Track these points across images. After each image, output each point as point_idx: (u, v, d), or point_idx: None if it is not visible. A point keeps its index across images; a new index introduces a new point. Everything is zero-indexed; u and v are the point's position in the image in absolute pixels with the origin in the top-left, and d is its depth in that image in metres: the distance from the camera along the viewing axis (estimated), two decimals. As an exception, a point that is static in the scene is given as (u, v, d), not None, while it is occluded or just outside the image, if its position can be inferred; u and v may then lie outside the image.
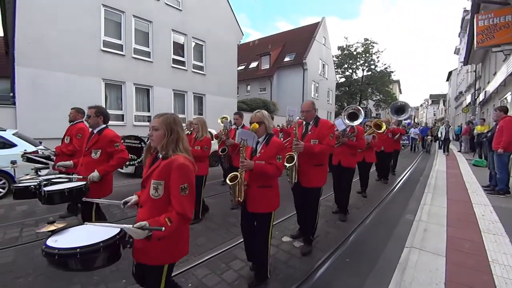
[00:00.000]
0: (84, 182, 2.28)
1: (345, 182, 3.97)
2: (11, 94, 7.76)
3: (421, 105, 66.64)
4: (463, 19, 20.15)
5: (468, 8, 14.91)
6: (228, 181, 2.15)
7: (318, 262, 2.68)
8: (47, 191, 2.02)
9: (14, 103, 7.43)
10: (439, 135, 12.71)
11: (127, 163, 4.57)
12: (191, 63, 11.98)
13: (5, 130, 5.30)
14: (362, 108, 3.75)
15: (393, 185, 6.33)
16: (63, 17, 8.01)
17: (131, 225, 1.26)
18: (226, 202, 4.41)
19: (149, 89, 10.54)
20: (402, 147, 14.81)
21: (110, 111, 9.08)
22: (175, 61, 11.28)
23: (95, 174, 2.53)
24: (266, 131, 2.25)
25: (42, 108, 7.55)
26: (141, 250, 1.42)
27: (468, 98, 18.33)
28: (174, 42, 11.27)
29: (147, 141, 4.90)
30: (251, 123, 2.23)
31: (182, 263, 2.62)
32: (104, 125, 2.77)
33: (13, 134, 5.32)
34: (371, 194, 5.44)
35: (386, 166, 6.76)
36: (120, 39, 9.55)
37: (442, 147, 12.50)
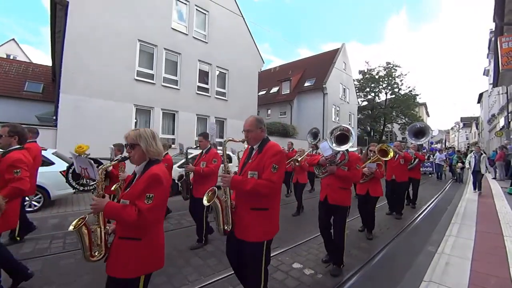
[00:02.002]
0: None
1: (336, 226, 3.07)
2: (54, 117, 8.74)
3: (452, 129, 63.15)
4: (490, 40, 19.56)
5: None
6: (71, 227, 1.55)
7: (328, 290, 2.63)
8: None
9: (56, 125, 8.33)
10: (467, 165, 9.31)
11: (81, 188, 4.22)
12: (214, 89, 12.73)
13: (46, 150, 5.93)
14: (351, 128, 3.00)
15: (417, 213, 6.00)
16: (104, 51, 9.10)
17: None
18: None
19: (175, 114, 11.27)
20: (429, 175, 13.70)
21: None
22: (199, 88, 12.08)
23: None
24: (145, 158, 1.63)
25: (80, 131, 8.34)
26: None
27: (502, 121, 17.22)
28: (200, 70, 12.15)
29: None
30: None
31: (192, 282, 2.72)
32: (16, 146, 2.45)
33: (53, 153, 5.94)
34: (392, 222, 5.22)
35: (399, 198, 5.70)
36: (152, 69, 10.53)
37: (473, 183, 8.72)
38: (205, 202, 1.95)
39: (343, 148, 2.90)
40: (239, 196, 2.05)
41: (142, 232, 1.51)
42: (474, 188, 8.53)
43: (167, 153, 4.98)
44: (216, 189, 2.03)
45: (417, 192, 6.79)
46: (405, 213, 5.85)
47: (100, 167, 1.68)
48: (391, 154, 4.19)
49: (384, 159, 4.10)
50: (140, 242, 1.51)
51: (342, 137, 2.96)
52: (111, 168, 3.05)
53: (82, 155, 1.78)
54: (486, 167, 8.32)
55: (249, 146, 2.20)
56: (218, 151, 3.78)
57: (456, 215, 5.55)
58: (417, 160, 6.34)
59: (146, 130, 1.66)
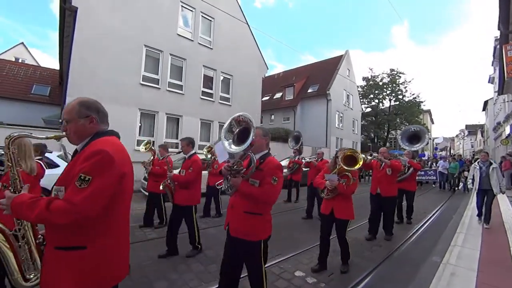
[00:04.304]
0: None
1: (248, 270, 2.12)
2: (60, 120, 8.86)
3: (457, 136, 62.61)
4: (495, 47, 19.49)
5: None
6: None
7: (331, 300, 2.59)
8: None
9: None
10: (469, 181, 5.91)
11: None
12: (218, 95, 12.84)
13: (51, 152, 5.97)
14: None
15: (421, 223, 5.91)
16: (110, 55, 9.26)
17: None
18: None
19: (179, 118, 11.36)
20: (433, 185, 12.90)
21: (142, 138, 10.11)
22: (204, 93, 12.20)
23: None
24: None
25: (85, 135, 8.45)
26: None
27: (507, 129, 17.04)
28: (204, 76, 12.29)
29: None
30: None
31: (195, 289, 2.70)
32: None
33: (58, 156, 5.99)
34: (394, 231, 5.12)
35: (387, 217, 4.64)
36: (157, 74, 10.67)
37: (478, 207, 5.80)
38: None
39: (241, 148, 1.87)
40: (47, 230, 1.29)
41: None
42: (479, 215, 5.67)
43: None
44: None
45: (412, 205, 5.88)
46: (402, 227, 5.45)
47: None
48: (360, 162, 3.08)
49: (350, 169, 3.07)
50: None
51: (243, 133, 1.96)
52: None
53: None
54: (500, 183, 5.25)
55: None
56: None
57: (461, 225, 5.47)
58: (411, 169, 5.55)
59: None
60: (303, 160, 7.06)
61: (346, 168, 3.06)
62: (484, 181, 5.42)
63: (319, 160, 6.20)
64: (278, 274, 3.08)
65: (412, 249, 4.27)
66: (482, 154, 5.93)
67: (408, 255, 3.98)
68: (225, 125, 2.04)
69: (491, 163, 5.51)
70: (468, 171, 10.92)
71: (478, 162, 5.75)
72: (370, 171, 5.57)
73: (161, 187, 3.80)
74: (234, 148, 1.95)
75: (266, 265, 3.24)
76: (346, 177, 3.15)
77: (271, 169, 1.99)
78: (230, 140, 2.00)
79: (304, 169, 7.19)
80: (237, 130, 2.00)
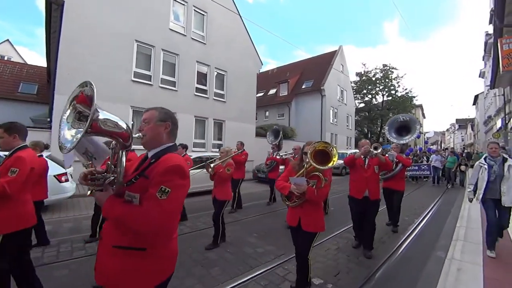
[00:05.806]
0: None
1: None
2: (49, 119, 8.54)
3: (448, 130, 63.80)
4: (486, 42, 19.76)
5: (490, 31, 14.62)
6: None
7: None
8: None
9: (50, 127, 8.12)
10: (470, 188, 3.89)
11: None
12: (213, 91, 12.61)
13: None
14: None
15: (421, 217, 5.88)
16: (100, 51, 8.93)
17: None
18: (243, 230, 4.33)
19: (172, 116, 11.11)
20: (425, 179, 12.43)
21: (135, 136, 9.83)
22: (198, 89, 11.95)
23: None
24: None
25: (75, 134, 8.15)
26: None
27: (499, 123, 17.36)
28: (198, 72, 12.03)
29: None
30: None
31: (197, 295, 2.56)
32: None
33: (46, 157, 5.72)
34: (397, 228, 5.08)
35: (371, 226, 3.69)
36: (149, 70, 10.37)
37: (489, 233, 3.64)
38: None
39: (79, 136, 1.16)
40: None
41: None
42: (491, 245, 3.60)
43: (41, 155, 3.79)
44: None
45: (400, 208, 4.83)
46: (407, 215, 5.49)
47: None
48: (335, 159, 2.31)
49: (322, 167, 2.31)
50: None
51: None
52: None
53: None
54: None
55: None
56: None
57: (460, 218, 5.46)
58: (400, 165, 4.67)
59: None
60: (277, 157, 6.52)
61: (317, 166, 2.29)
62: (495, 187, 3.51)
63: (296, 156, 5.40)
64: (283, 276, 2.96)
65: (415, 244, 4.22)
66: (492, 145, 3.74)
67: (412, 251, 3.92)
68: (65, 109, 1.26)
69: (505, 159, 3.59)
70: (466, 165, 10.42)
71: (485, 159, 3.74)
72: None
73: (88, 192, 3.28)
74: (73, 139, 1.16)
75: (269, 267, 3.17)
76: (316, 178, 2.39)
77: (159, 175, 1.20)
78: (81, 129, 1.19)
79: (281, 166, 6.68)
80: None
